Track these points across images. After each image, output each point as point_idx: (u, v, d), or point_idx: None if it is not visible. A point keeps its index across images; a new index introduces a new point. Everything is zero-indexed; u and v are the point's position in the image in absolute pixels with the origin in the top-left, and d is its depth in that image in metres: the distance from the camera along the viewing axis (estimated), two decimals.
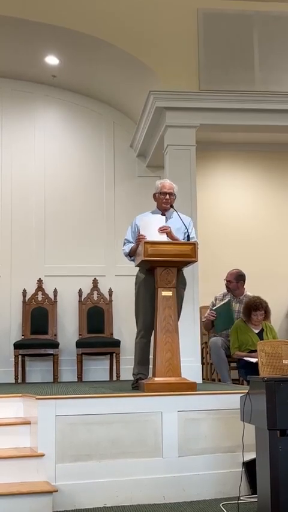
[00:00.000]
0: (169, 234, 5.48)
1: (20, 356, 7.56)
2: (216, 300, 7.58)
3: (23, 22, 6.96)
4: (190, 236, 5.63)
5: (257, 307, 6.67)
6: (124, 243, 5.82)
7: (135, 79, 7.47)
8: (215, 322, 6.89)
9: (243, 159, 8.99)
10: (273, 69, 7.23)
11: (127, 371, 7.71)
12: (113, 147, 8.48)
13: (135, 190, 8.41)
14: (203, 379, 6.91)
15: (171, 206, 5.79)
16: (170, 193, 5.79)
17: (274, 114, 7.17)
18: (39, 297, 7.99)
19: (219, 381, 7.18)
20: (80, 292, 8.06)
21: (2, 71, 8.14)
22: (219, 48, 7.17)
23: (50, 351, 7.51)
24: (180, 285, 5.60)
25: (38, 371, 7.85)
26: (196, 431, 4.80)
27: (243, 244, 8.66)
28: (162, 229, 5.43)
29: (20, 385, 7.13)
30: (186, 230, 5.63)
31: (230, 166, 9.02)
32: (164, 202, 5.79)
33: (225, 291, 7.69)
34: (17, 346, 7.51)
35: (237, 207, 8.90)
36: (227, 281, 7.69)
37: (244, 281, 7.32)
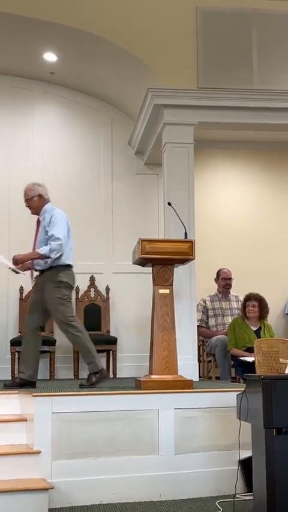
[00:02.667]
0: (20, 261, 5.46)
1: (16, 353, 7.54)
2: (205, 302, 7.62)
3: (21, 19, 6.94)
4: (49, 234, 5.49)
5: (249, 298, 6.77)
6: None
7: (134, 76, 7.46)
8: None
9: (242, 157, 8.99)
10: (271, 68, 7.22)
11: (124, 368, 7.73)
12: (111, 144, 8.47)
13: (133, 188, 8.41)
14: (199, 377, 6.92)
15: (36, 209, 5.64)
16: (26, 200, 5.66)
17: (272, 112, 7.16)
18: None
19: (217, 378, 7.21)
20: (77, 290, 8.04)
21: (1, 68, 8.12)
22: (218, 46, 7.16)
23: (47, 348, 7.49)
24: (50, 284, 5.52)
25: None
26: (192, 429, 4.81)
27: (240, 242, 8.66)
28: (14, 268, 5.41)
29: None
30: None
31: (229, 165, 9.02)
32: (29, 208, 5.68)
33: (216, 292, 7.73)
34: (14, 343, 7.49)
35: (235, 206, 8.91)
36: (228, 279, 7.73)
37: None
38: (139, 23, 7.08)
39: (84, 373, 7.70)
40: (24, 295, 7.94)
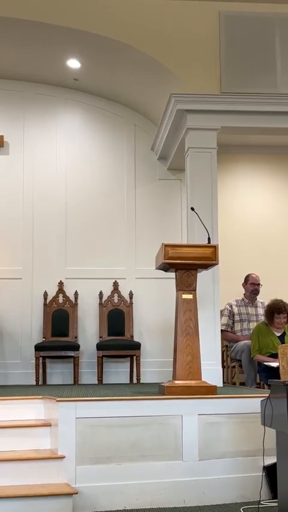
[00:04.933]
0: None
1: (40, 358, 7.59)
2: (232, 306, 7.58)
3: (44, 26, 7.00)
4: None
5: (280, 310, 6.66)
6: None
7: (157, 82, 7.47)
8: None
9: (266, 162, 8.96)
10: None
11: (147, 374, 7.73)
12: (134, 149, 8.49)
13: (156, 193, 8.42)
14: (223, 382, 6.89)
15: None
16: None
17: None
18: (60, 299, 8.02)
19: (241, 384, 7.17)
20: (101, 295, 8.07)
21: (25, 75, 8.20)
22: (240, 51, 7.15)
23: (71, 353, 7.53)
24: None
25: (58, 373, 7.89)
26: (216, 435, 4.79)
27: (264, 248, 8.63)
28: None
29: (40, 387, 7.15)
30: None
31: (253, 169, 8.99)
32: None
33: (242, 297, 7.69)
34: (38, 348, 7.54)
35: (259, 210, 8.87)
36: (257, 284, 7.68)
37: None
38: (162, 28, 7.10)
39: (109, 378, 7.76)
40: (48, 301, 7.99)
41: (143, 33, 7.08)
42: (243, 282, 7.80)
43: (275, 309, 6.69)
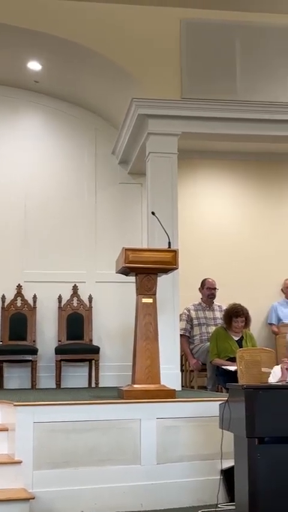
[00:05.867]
0: None
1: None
2: (189, 311, 7.63)
3: (5, 27, 6.94)
4: None
5: (238, 314, 6.72)
6: None
7: (118, 86, 7.48)
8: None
9: (225, 167, 9.04)
10: (255, 79, 7.27)
11: (107, 378, 7.71)
12: (95, 153, 8.47)
13: (117, 197, 8.41)
14: (182, 386, 6.91)
15: None
16: None
17: (255, 123, 7.20)
18: (18, 302, 7.94)
19: (199, 387, 7.21)
20: (60, 299, 8.02)
21: None
22: (202, 58, 7.21)
23: (29, 357, 7.46)
24: None
25: (16, 377, 7.79)
26: (175, 439, 4.80)
27: (223, 252, 8.69)
28: None
29: None
30: None
31: (212, 175, 9.05)
32: None
33: (200, 301, 7.75)
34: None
35: (218, 216, 8.93)
36: (213, 289, 7.75)
37: None
38: (124, 33, 7.11)
39: (67, 382, 7.71)
40: (6, 304, 7.91)
41: (105, 37, 7.08)
42: (199, 286, 7.86)
43: (233, 313, 6.75)
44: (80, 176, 8.42)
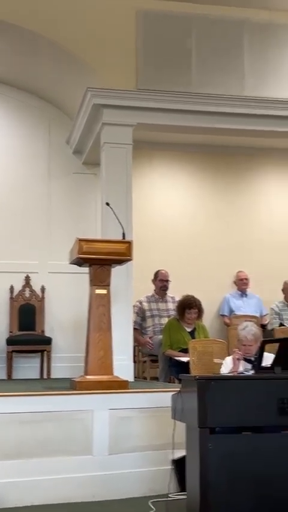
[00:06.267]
0: None
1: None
2: (141, 303, 7.65)
3: None
4: None
5: (190, 306, 6.76)
6: None
7: (74, 75, 7.41)
8: None
9: (181, 159, 9.04)
10: (210, 72, 7.31)
11: (60, 369, 7.67)
12: (49, 142, 8.39)
13: (71, 187, 8.35)
14: (135, 377, 6.93)
15: None
16: None
17: (209, 116, 7.24)
18: None
19: (152, 378, 7.24)
20: (12, 289, 7.94)
21: None
22: (158, 49, 7.20)
23: None
24: None
25: None
26: (127, 430, 4.81)
27: (177, 244, 8.72)
28: None
29: None
30: None
31: (168, 167, 9.05)
32: None
33: (153, 293, 7.77)
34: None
35: (173, 208, 8.95)
36: (165, 281, 7.78)
37: None
38: (79, 22, 7.04)
39: (19, 374, 7.65)
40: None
41: (60, 26, 7.01)
42: (153, 278, 7.88)
43: (186, 305, 6.79)
44: (33, 165, 8.32)
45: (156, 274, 7.85)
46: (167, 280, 7.80)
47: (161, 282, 7.79)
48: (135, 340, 7.46)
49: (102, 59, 7.06)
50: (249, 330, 5.12)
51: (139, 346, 7.62)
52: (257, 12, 7.50)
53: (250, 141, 8.47)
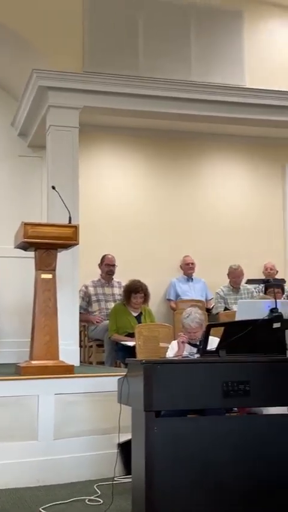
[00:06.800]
0: None
1: None
2: (87, 288, 7.63)
3: None
4: None
5: (137, 290, 6.78)
6: None
7: (19, 57, 7.28)
8: None
9: (128, 143, 8.98)
10: (157, 56, 7.29)
11: (5, 354, 7.58)
12: None
13: (16, 170, 8.21)
14: (80, 362, 6.93)
15: None
16: None
17: (156, 100, 7.23)
18: None
19: (98, 363, 7.25)
20: None
21: None
22: (105, 32, 7.13)
23: None
24: None
25: None
26: (73, 414, 4.81)
27: (124, 228, 8.70)
28: None
29: None
30: None
31: (116, 151, 8.98)
32: None
33: (99, 277, 7.76)
34: None
35: (121, 192, 8.92)
36: (112, 265, 7.77)
37: None
38: (26, 3, 6.91)
39: None
40: None
41: (6, 7, 6.85)
42: (99, 262, 7.87)
43: (132, 289, 6.81)
44: None
45: (103, 258, 7.84)
46: (113, 265, 7.80)
47: (107, 267, 7.78)
48: (84, 320, 7.45)
49: (49, 41, 6.95)
50: (193, 318, 5.15)
51: (88, 325, 7.58)
52: None
53: (198, 126, 8.49)
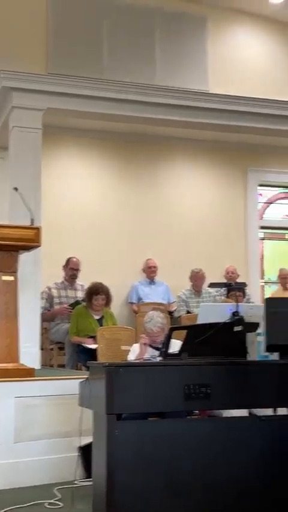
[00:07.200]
0: None
1: None
2: (50, 290, 7.59)
3: None
4: None
5: (98, 292, 6.76)
6: None
7: None
8: None
9: (92, 146, 8.95)
10: (121, 59, 7.32)
11: None
12: None
13: None
14: (41, 365, 6.88)
15: None
16: None
17: (120, 103, 7.23)
18: None
19: (59, 366, 7.21)
20: None
21: None
22: (69, 35, 7.16)
23: None
24: None
25: None
26: (34, 417, 4.78)
27: (87, 231, 8.67)
28: None
29: None
30: None
31: (80, 153, 8.95)
32: None
33: (62, 279, 7.73)
34: None
35: (84, 194, 8.89)
36: (76, 270, 7.75)
37: None
38: None
39: None
40: None
41: None
42: (64, 264, 7.83)
43: (93, 291, 6.80)
44: None
45: (68, 261, 7.80)
46: (77, 269, 7.77)
47: (71, 271, 7.75)
48: (50, 316, 7.40)
49: (13, 43, 6.94)
50: (155, 322, 5.15)
51: (50, 327, 7.52)
52: (170, 1, 7.55)
53: (162, 129, 8.51)
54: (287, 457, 3.69)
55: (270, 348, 3.74)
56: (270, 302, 3.75)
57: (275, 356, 3.85)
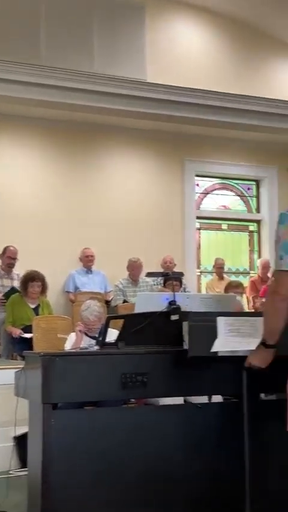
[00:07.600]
0: None
1: None
2: None
3: None
4: None
5: (33, 278, 6.73)
6: None
7: None
8: None
9: (28, 133, 8.79)
10: (60, 46, 7.24)
11: None
12: None
13: None
14: None
15: None
16: None
17: (56, 90, 7.18)
18: None
19: None
20: None
21: None
22: (6, 18, 7.01)
23: None
24: None
25: None
26: None
27: (23, 219, 8.56)
28: None
29: None
30: None
31: (14, 141, 8.79)
32: None
33: None
34: None
35: (20, 182, 8.77)
36: (13, 258, 7.64)
37: None
38: None
39: None
40: None
41: None
42: (0, 253, 7.72)
43: (29, 278, 6.76)
44: None
45: (5, 250, 7.69)
46: (15, 258, 7.67)
47: (8, 259, 7.65)
48: None
49: None
50: (91, 311, 5.15)
51: None
52: None
53: (99, 118, 8.48)
54: (222, 443, 3.75)
55: (193, 359, 3.76)
56: (192, 316, 3.77)
57: None
